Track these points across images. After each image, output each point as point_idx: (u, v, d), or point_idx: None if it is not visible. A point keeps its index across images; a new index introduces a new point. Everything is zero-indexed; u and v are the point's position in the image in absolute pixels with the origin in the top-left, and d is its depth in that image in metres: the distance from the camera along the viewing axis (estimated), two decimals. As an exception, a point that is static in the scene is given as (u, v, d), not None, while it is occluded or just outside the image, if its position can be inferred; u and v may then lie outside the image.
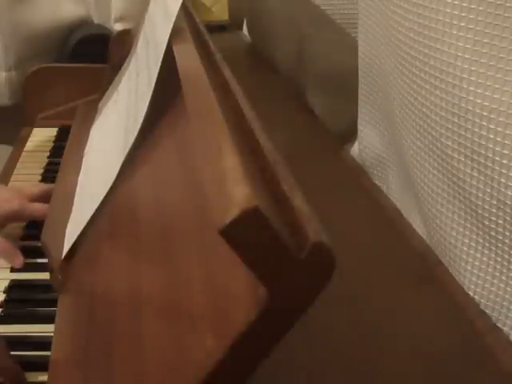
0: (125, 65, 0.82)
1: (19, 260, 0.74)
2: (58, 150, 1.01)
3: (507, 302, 0.52)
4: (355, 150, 0.81)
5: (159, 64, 0.59)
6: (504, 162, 0.47)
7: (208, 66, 0.52)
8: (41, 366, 0.58)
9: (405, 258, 0.62)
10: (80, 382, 0.49)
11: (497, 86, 0.46)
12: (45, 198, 0.81)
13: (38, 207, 0.78)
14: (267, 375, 0.33)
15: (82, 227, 0.64)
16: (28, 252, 0.75)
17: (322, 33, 0.93)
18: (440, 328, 0.52)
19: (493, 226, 0.50)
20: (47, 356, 0.56)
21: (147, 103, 0.59)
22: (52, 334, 0.58)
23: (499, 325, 0.52)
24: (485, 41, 0.46)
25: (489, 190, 0.49)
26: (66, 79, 1.11)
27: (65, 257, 0.64)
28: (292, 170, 0.34)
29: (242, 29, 1.35)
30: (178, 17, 0.59)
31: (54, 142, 1.06)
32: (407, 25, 0.54)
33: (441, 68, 0.51)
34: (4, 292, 0.70)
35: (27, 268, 0.74)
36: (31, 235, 0.78)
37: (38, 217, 0.78)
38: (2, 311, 0.67)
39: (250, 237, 0.29)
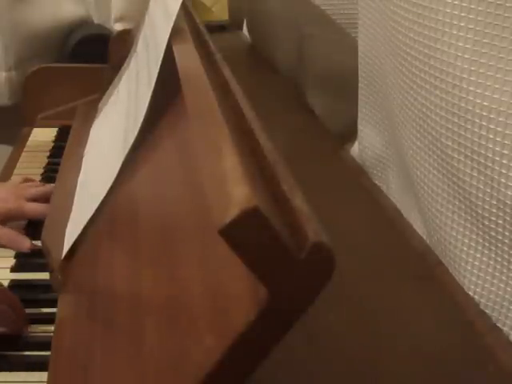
0: (125, 65, 0.82)
1: (26, 243, 0.74)
2: (58, 149, 1.01)
3: (507, 302, 0.51)
4: (355, 149, 0.81)
5: (159, 64, 0.58)
6: (504, 161, 0.47)
7: (208, 66, 0.52)
8: (41, 365, 0.58)
9: (405, 258, 0.61)
10: (80, 381, 0.49)
11: (497, 86, 0.46)
12: (43, 198, 0.80)
13: (34, 207, 0.78)
14: (267, 375, 0.33)
15: (82, 227, 0.64)
16: (28, 252, 0.75)
17: (322, 33, 0.93)
18: (440, 328, 0.52)
19: (493, 226, 0.50)
20: (47, 356, 0.56)
21: (147, 103, 0.59)
22: (52, 334, 0.58)
23: (499, 325, 0.52)
24: (485, 41, 0.46)
25: (489, 190, 0.49)
26: (66, 79, 1.11)
27: (65, 257, 0.64)
28: (292, 170, 0.34)
29: (242, 29, 1.35)
30: (178, 17, 0.59)
31: (54, 141, 1.06)
32: (407, 25, 0.54)
33: (441, 68, 0.51)
34: (4, 292, 0.70)
35: (27, 268, 0.73)
36: (31, 235, 0.78)
37: (35, 216, 0.78)
38: (2, 311, 0.67)
39: (249, 237, 0.29)
